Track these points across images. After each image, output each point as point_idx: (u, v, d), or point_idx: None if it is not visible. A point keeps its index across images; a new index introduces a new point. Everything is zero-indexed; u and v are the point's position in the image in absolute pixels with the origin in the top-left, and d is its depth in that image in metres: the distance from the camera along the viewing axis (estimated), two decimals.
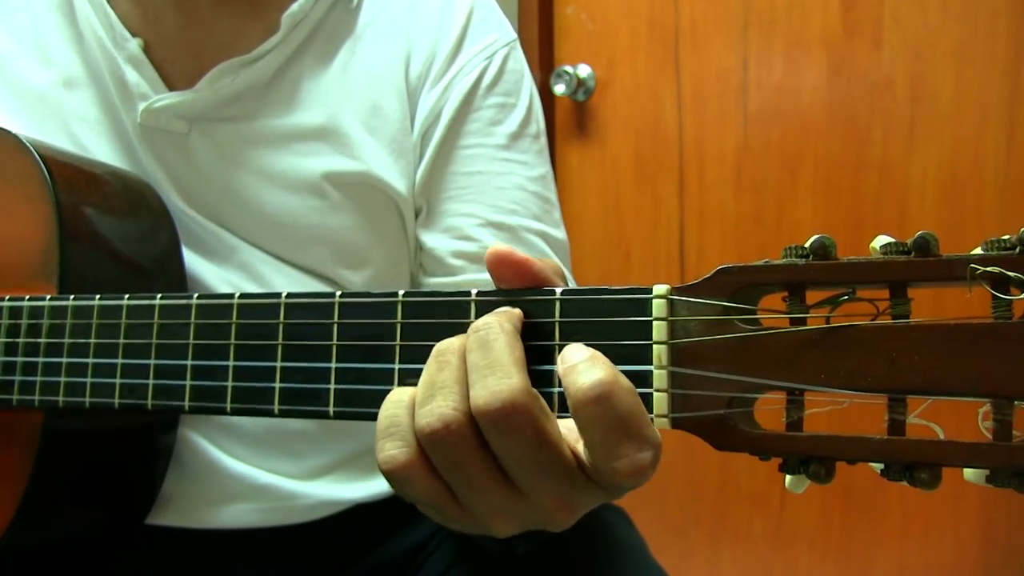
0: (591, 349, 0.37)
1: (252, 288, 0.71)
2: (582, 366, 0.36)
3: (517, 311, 0.40)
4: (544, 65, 1.67)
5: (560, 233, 0.78)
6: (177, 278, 0.69)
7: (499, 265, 0.42)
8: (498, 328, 0.38)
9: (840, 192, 1.47)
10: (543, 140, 0.79)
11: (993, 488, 0.31)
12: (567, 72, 1.64)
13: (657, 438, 0.35)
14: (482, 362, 0.37)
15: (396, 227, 0.75)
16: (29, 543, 0.62)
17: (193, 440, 0.69)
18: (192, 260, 0.70)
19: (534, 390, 0.36)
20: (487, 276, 0.72)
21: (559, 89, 1.65)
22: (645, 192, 1.64)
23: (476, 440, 0.37)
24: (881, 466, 0.33)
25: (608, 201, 1.67)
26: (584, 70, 1.66)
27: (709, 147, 1.57)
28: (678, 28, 1.58)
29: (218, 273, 0.70)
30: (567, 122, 1.71)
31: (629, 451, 0.34)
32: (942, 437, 0.33)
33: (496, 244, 0.42)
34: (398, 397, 0.39)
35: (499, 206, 0.73)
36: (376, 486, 0.75)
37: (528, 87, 0.79)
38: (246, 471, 0.70)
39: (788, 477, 0.35)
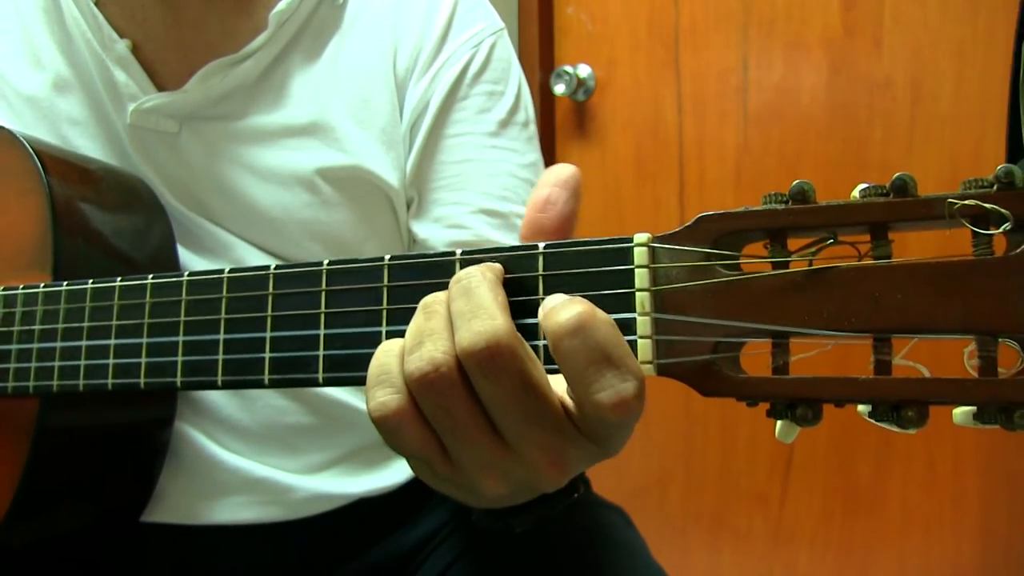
0: (570, 295, 0.37)
1: None
2: (560, 306, 0.35)
3: (498, 265, 0.40)
4: (544, 65, 1.68)
5: None
6: (171, 271, 0.69)
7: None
8: (479, 276, 0.38)
9: (840, 192, 1.46)
10: (532, 128, 0.79)
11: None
12: (567, 72, 1.65)
13: (641, 372, 0.35)
14: (466, 308, 0.36)
15: (389, 221, 0.75)
16: (23, 540, 0.62)
17: (190, 435, 0.69)
18: (186, 256, 0.70)
19: (519, 334, 0.36)
20: None
21: (559, 89, 1.65)
22: (645, 192, 1.64)
23: (464, 387, 0.36)
24: (868, 408, 0.33)
25: (608, 201, 1.67)
26: (584, 70, 1.66)
27: (709, 147, 1.57)
28: (678, 28, 1.59)
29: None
30: (567, 122, 1.71)
31: (612, 381, 0.34)
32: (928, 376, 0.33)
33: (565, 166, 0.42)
34: (388, 347, 0.39)
35: (490, 193, 0.73)
36: (374, 481, 0.75)
37: (516, 75, 0.79)
38: (242, 464, 0.70)
39: (778, 424, 0.35)
